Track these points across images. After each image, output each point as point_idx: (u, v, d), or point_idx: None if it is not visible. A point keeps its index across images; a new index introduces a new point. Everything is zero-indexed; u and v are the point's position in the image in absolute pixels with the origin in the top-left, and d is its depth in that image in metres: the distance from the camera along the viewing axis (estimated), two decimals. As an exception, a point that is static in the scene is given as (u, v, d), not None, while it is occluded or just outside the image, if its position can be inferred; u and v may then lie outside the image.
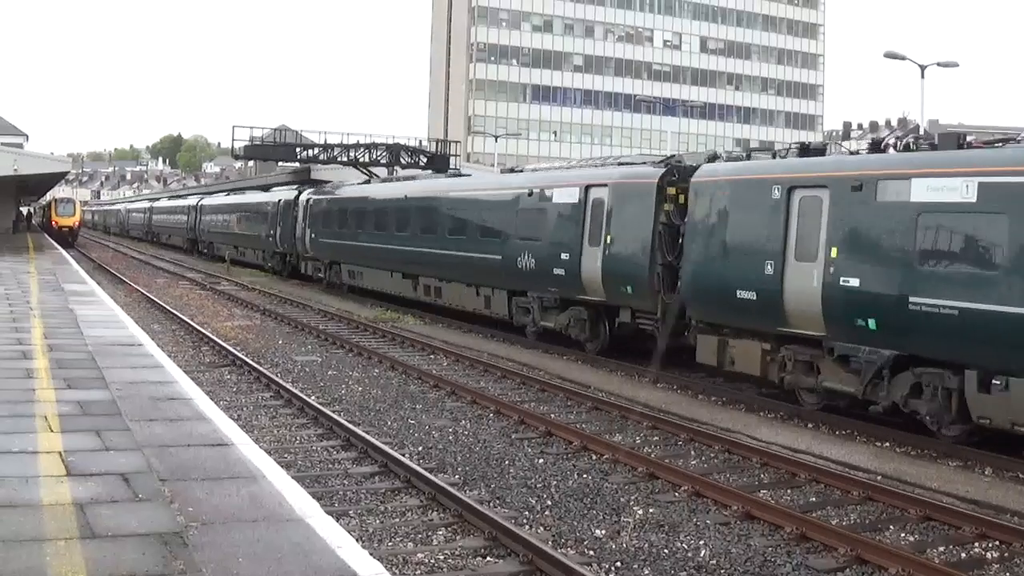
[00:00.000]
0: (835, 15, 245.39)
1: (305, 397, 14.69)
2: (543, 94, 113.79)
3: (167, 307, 26.92)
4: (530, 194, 21.47)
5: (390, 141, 41.98)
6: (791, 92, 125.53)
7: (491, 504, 10.03)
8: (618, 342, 19.47)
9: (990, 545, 9.22)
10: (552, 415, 14.46)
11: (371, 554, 6.23)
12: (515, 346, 21.36)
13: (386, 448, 11.55)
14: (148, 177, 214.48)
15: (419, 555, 8.35)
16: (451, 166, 40.74)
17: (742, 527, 9.56)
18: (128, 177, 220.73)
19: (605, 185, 19.00)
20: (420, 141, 45.56)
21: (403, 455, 11.51)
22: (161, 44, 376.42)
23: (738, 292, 14.95)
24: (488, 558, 8.40)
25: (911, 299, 12.24)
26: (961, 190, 11.80)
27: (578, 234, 19.45)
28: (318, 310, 28.20)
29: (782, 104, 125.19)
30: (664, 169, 17.87)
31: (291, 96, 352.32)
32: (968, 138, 13.10)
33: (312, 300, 30.77)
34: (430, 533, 8.99)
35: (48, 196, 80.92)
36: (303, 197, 37.22)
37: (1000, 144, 12.63)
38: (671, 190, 17.42)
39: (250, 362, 17.93)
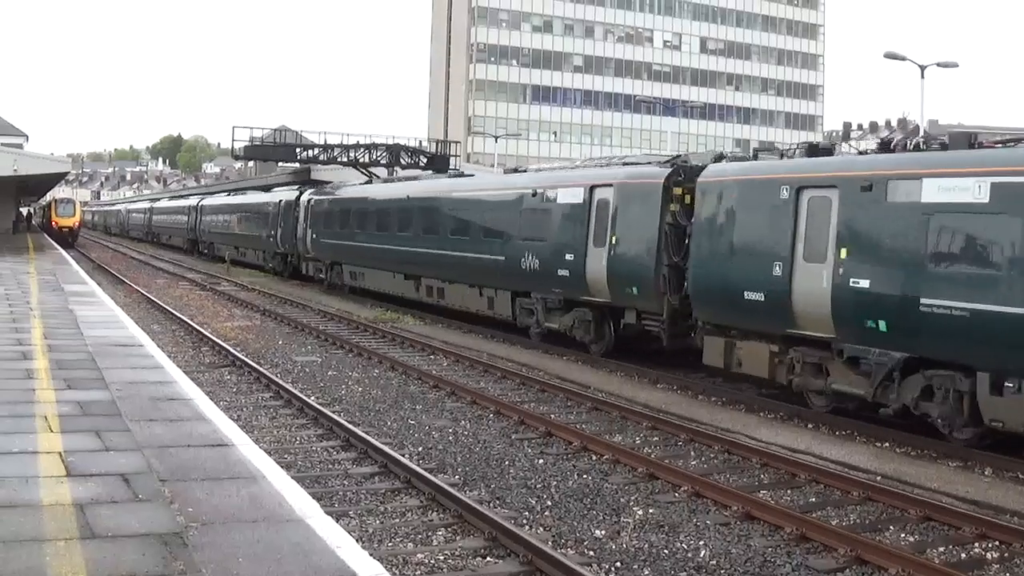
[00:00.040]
0: (835, 15, 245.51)
1: (305, 397, 14.68)
2: (543, 94, 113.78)
3: (167, 307, 26.92)
4: (534, 194, 21.37)
5: (390, 142, 41.92)
6: (791, 92, 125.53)
7: (491, 504, 10.03)
8: (623, 343, 19.38)
9: (990, 545, 9.22)
10: (552, 415, 14.45)
11: (371, 554, 6.23)
12: (515, 346, 21.35)
13: (386, 448, 11.55)
14: (148, 177, 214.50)
15: (419, 555, 8.35)
16: (451, 166, 40.63)
17: (742, 527, 9.56)
18: (128, 177, 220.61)
19: (610, 185, 18.88)
20: (420, 141, 45.47)
21: (403, 455, 11.51)
22: (161, 44, 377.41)
23: (746, 293, 14.86)
24: (488, 558, 8.40)
25: (922, 300, 12.13)
26: (973, 190, 11.72)
27: (583, 235, 19.32)
28: (318, 310, 28.20)
29: (782, 104, 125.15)
30: (670, 169, 17.70)
31: (291, 96, 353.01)
32: (979, 138, 13.01)
33: (312, 301, 30.78)
34: (430, 533, 8.99)
35: (48, 196, 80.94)
36: (304, 197, 37.19)
37: (1012, 144, 12.52)
38: (677, 190, 17.27)
39: (250, 362, 17.93)
